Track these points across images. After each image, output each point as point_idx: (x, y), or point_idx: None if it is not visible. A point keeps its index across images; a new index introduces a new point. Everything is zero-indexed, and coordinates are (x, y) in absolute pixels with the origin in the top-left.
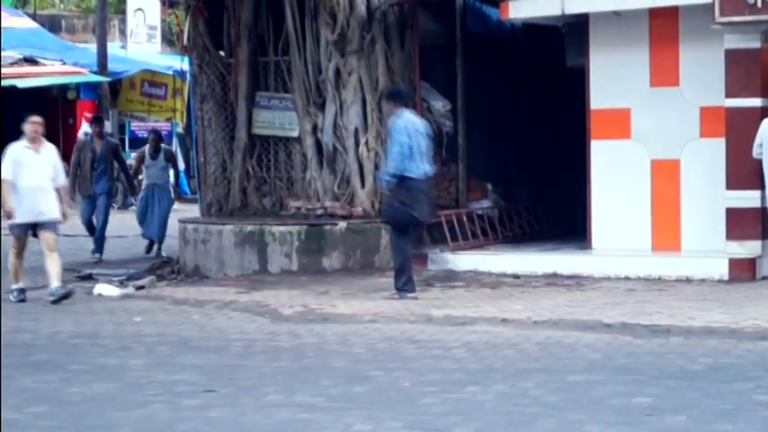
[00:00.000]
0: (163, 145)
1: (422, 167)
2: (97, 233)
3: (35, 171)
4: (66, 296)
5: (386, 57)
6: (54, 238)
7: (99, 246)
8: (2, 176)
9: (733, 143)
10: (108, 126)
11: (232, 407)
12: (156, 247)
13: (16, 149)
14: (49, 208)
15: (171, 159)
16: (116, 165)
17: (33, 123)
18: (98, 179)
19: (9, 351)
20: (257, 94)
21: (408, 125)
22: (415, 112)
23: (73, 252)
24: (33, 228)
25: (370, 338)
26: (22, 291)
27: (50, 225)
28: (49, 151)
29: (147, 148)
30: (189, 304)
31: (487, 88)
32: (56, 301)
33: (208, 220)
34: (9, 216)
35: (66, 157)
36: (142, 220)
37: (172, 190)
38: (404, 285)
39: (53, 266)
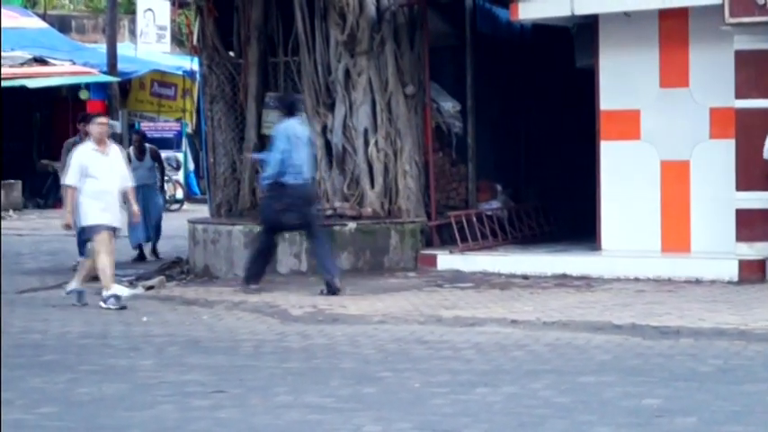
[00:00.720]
0: (147, 144)
1: (301, 174)
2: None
3: (105, 174)
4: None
5: (395, 57)
6: None
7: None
8: (67, 182)
9: (743, 144)
10: (118, 126)
11: (241, 407)
12: (150, 249)
13: (84, 153)
14: (117, 213)
15: (157, 158)
16: None
17: (100, 125)
18: None
19: (18, 351)
20: (267, 94)
21: (289, 132)
22: (301, 121)
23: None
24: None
25: (379, 339)
26: (117, 297)
27: (112, 231)
28: (116, 153)
29: (131, 149)
30: (198, 305)
31: (497, 89)
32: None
33: (217, 221)
34: (68, 227)
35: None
36: (132, 226)
37: (180, 189)
38: (250, 279)
39: (84, 269)
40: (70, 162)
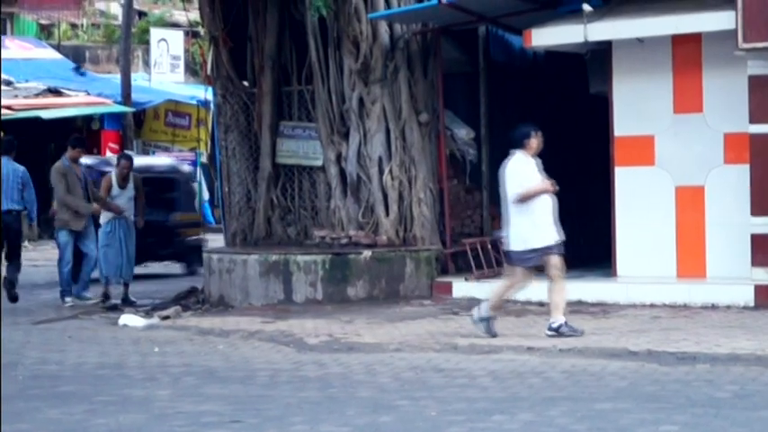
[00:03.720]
0: (132, 173)
1: (6, 204)
2: (92, 267)
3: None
4: (558, 332)
5: (409, 85)
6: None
7: (85, 284)
8: (517, 193)
9: (757, 169)
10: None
11: None
12: (123, 290)
13: (522, 166)
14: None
15: (138, 188)
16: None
17: (538, 137)
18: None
19: (35, 383)
20: (281, 123)
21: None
22: (10, 160)
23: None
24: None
25: (395, 367)
26: (489, 319)
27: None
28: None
29: (113, 174)
30: (214, 334)
31: (511, 116)
32: (555, 333)
33: (232, 250)
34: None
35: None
36: (106, 258)
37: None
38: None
39: (556, 295)
40: (513, 175)
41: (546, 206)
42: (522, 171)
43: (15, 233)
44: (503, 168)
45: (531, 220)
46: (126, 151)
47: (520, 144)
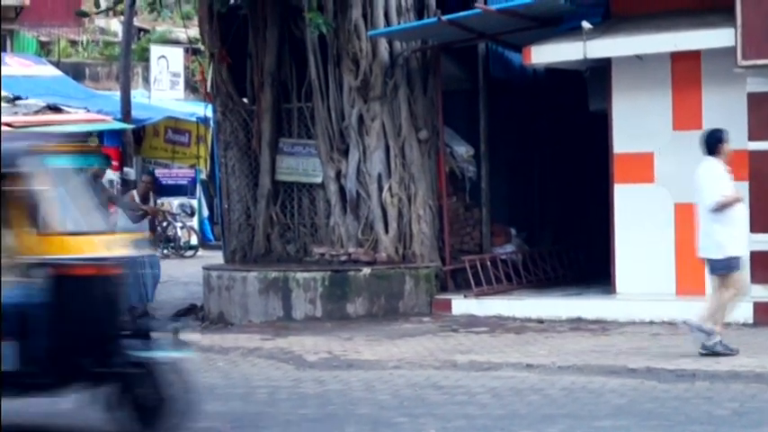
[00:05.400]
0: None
1: None
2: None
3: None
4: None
5: (409, 102)
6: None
7: None
8: (712, 201)
9: (756, 186)
10: (132, 173)
11: None
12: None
13: (721, 173)
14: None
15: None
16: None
17: (730, 142)
18: None
19: (34, 401)
20: (280, 140)
21: None
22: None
23: None
24: None
25: (394, 385)
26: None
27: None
28: None
29: (134, 193)
30: (214, 351)
31: (510, 133)
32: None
33: (232, 267)
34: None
35: None
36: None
37: (194, 235)
38: None
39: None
40: (709, 181)
41: (743, 216)
42: (718, 178)
43: None
44: (696, 175)
45: (730, 229)
46: (126, 169)
47: (713, 150)
